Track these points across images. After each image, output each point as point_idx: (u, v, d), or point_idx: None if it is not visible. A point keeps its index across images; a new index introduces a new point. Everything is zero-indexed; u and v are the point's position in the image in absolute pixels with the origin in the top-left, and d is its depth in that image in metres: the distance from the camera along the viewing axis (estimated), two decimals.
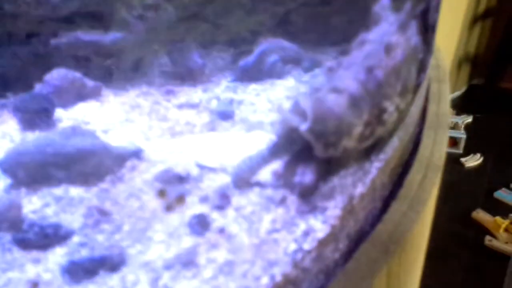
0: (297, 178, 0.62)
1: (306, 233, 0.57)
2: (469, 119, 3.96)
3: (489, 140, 3.73)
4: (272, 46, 1.15)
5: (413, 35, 0.68)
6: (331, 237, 0.59)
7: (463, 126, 3.83)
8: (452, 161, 3.46)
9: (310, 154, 0.62)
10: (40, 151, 0.69)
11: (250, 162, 0.66)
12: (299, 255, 0.54)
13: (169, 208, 0.63)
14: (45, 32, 1.08)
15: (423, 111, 0.98)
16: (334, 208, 0.60)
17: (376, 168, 0.68)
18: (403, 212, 0.69)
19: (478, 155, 3.55)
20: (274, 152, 0.64)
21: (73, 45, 1.07)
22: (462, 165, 3.47)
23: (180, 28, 1.23)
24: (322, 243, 0.57)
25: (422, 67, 0.78)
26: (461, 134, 3.59)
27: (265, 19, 1.29)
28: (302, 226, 0.58)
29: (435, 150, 0.83)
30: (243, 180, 0.66)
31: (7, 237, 0.60)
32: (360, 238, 0.66)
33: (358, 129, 0.62)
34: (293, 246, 0.55)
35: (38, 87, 0.97)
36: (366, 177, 0.66)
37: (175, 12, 1.22)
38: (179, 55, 1.16)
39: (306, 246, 0.55)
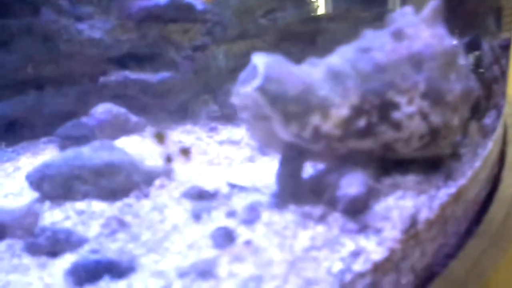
0: (341, 191, 0.54)
1: (356, 254, 0.48)
2: None
3: None
4: None
5: (444, 37, 0.61)
6: (390, 264, 0.49)
7: None
8: None
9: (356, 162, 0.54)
10: (67, 163, 0.67)
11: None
12: (348, 276, 0.45)
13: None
14: (97, 72, 1.10)
15: (501, 153, 0.89)
16: (391, 230, 0.51)
17: (446, 194, 0.59)
18: (483, 248, 0.58)
19: None
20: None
21: (121, 83, 1.09)
22: None
23: (230, 76, 1.23)
24: (379, 268, 0.47)
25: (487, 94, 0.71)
26: None
27: None
28: (349, 245, 0.49)
29: None
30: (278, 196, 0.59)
31: (19, 244, 0.56)
32: (429, 277, 0.56)
33: (340, 111, 0.54)
34: (339, 266, 0.46)
35: (83, 119, 0.97)
36: (432, 202, 0.57)
37: (226, 60, 1.23)
38: (225, 97, 1.14)
39: (357, 267, 0.46)
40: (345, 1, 1.35)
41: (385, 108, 0.57)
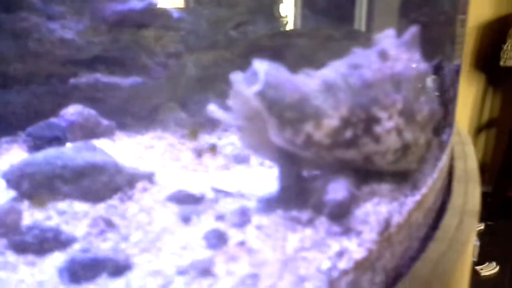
0: (327, 197, 0.57)
1: (341, 254, 0.51)
2: (481, 226, 3.86)
3: (503, 248, 3.60)
4: None
5: (419, 61, 0.67)
6: (368, 263, 0.52)
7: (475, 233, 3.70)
8: None
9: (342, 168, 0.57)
10: (48, 162, 0.65)
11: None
12: (335, 273, 0.48)
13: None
14: (66, 73, 1.08)
15: (449, 167, 0.96)
16: (370, 232, 0.55)
17: (412, 201, 0.64)
18: (442, 251, 0.63)
19: (494, 263, 3.43)
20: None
21: (92, 86, 1.07)
22: (478, 274, 3.33)
23: (198, 85, 1.24)
24: (359, 266, 0.50)
25: (443, 118, 0.77)
26: (475, 242, 3.48)
27: None
28: (335, 246, 0.52)
29: (468, 199, 0.80)
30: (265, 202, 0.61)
31: (2, 241, 0.54)
32: (397, 276, 0.60)
33: (331, 121, 0.57)
34: (327, 264, 0.49)
35: (53, 120, 0.95)
36: (402, 208, 0.61)
37: (195, 69, 1.24)
38: (197, 105, 1.15)
39: (342, 265, 0.49)
40: (314, 19, 1.40)
41: (369, 122, 0.60)
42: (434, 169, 0.77)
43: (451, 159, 1.01)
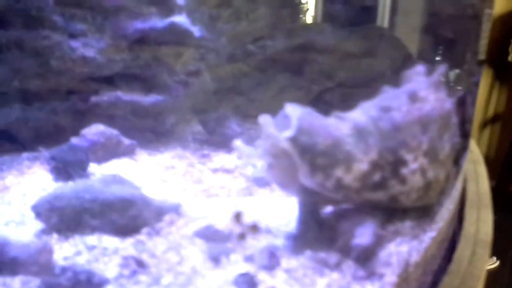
0: (354, 241, 0.57)
1: None
2: None
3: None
4: None
5: (445, 100, 0.67)
6: None
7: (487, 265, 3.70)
8: None
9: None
10: (77, 196, 0.66)
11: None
12: None
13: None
14: (86, 90, 1.09)
15: (462, 190, 0.96)
16: (391, 275, 0.55)
17: (430, 237, 0.64)
18: (456, 287, 0.63)
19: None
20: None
21: (113, 104, 1.08)
22: None
23: (216, 99, 1.24)
24: None
25: (461, 147, 0.77)
26: None
27: (300, 96, 1.29)
28: None
29: (480, 227, 0.80)
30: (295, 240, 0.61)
31: (36, 281, 0.55)
32: None
33: (361, 166, 0.57)
34: None
35: (74, 140, 0.95)
36: (420, 246, 0.62)
37: (212, 83, 1.24)
38: (215, 123, 1.15)
39: None
40: (333, 6, 1.38)
41: (396, 165, 0.60)
42: (450, 200, 0.77)
43: (464, 181, 1.00)
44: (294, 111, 0.56)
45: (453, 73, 1.11)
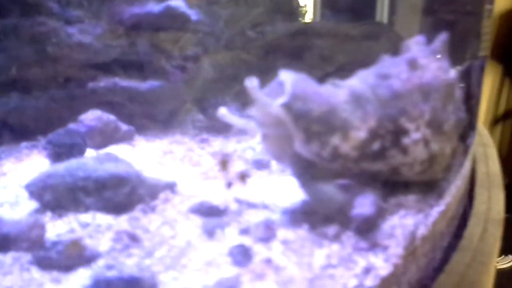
0: (354, 212, 0.55)
1: (367, 270, 0.50)
2: None
3: None
4: None
5: (448, 70, 0.65)
6: (394, 279, 0.51)
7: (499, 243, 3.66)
8: None
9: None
10: (70, 174, 0.65)
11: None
12: None
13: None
14: (84, 77, 1.08)
15: (471, 171, 0.94)
16: (396, 247, 0.53)
17: (437, 212, 0.62)
18: (467, 263, 0.61)
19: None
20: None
21: (110, 90, 1.07)
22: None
23: (215, 86, 1.23)
24: (385, 283, 0.49)
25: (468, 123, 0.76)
26: None
27: None
28: (361, 263, 0.51)
29: (492, 206, 0.77)
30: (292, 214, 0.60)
31: (27, 257, 0.54)
32: None
33: (358, 134, 0.56)
34: (353, 282, 0.48)
35: (72, 126, 0.94)
36: (427, 219, 0.60)
37: (211, 70, 1.23)
38: (215, 109, 1.14)
39: (369, 282, 0.48)
40: (334, 15, 1.38)
41: (397, 134, 0.59)
42: (458, 176, 0.75)
43: (473, 162, 0.99)
44: (288, 77, 0.54)
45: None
